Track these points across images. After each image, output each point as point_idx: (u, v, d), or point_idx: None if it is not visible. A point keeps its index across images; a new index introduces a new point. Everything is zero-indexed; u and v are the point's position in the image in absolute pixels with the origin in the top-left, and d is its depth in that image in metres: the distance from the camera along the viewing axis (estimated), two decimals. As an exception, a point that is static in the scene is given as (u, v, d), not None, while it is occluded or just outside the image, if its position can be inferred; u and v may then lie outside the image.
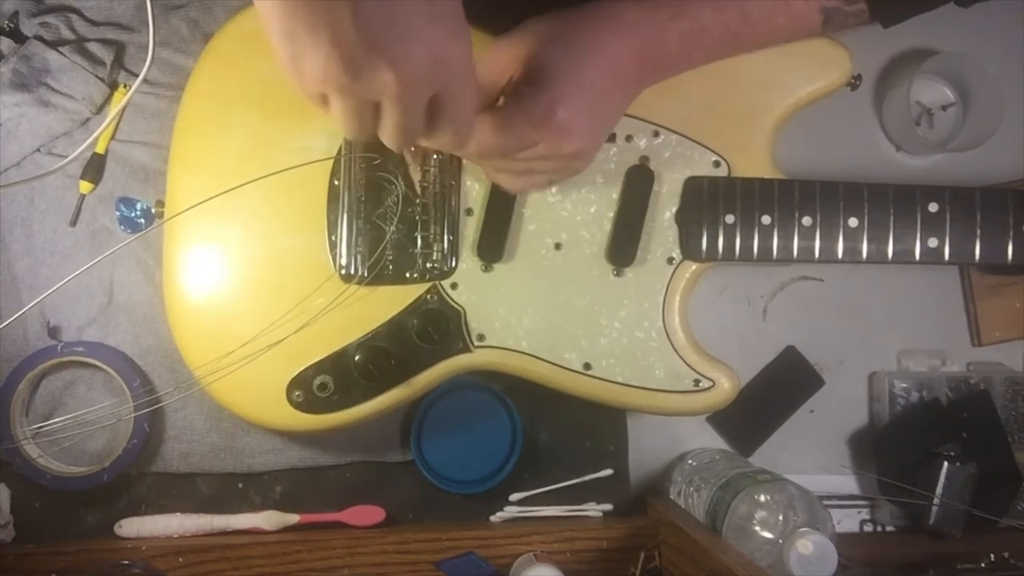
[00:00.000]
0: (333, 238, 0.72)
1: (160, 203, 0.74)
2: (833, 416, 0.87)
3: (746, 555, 0.67)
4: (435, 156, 0.72)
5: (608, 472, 0.82)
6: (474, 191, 0.74)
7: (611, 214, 0.74)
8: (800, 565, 0.66)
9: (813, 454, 0.86)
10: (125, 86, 0.79)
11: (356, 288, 0.72)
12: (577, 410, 0.81)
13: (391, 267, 0.73)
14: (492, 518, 0.80)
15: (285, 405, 0.72)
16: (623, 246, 0.73)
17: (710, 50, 0.68)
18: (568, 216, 0.74)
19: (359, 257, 0.72)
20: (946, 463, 0.80)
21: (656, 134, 0.74)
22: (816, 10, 0.67)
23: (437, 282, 0.73)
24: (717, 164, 0.74)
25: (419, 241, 0.73)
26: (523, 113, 0.60)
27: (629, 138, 0.74)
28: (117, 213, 0.79)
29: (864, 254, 0.73)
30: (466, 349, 0.73)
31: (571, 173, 0.66)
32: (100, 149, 0.79)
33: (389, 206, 0.73)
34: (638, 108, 0.73)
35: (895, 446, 0.84)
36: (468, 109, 0.52)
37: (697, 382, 0.73)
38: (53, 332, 0.78)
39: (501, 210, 0.73)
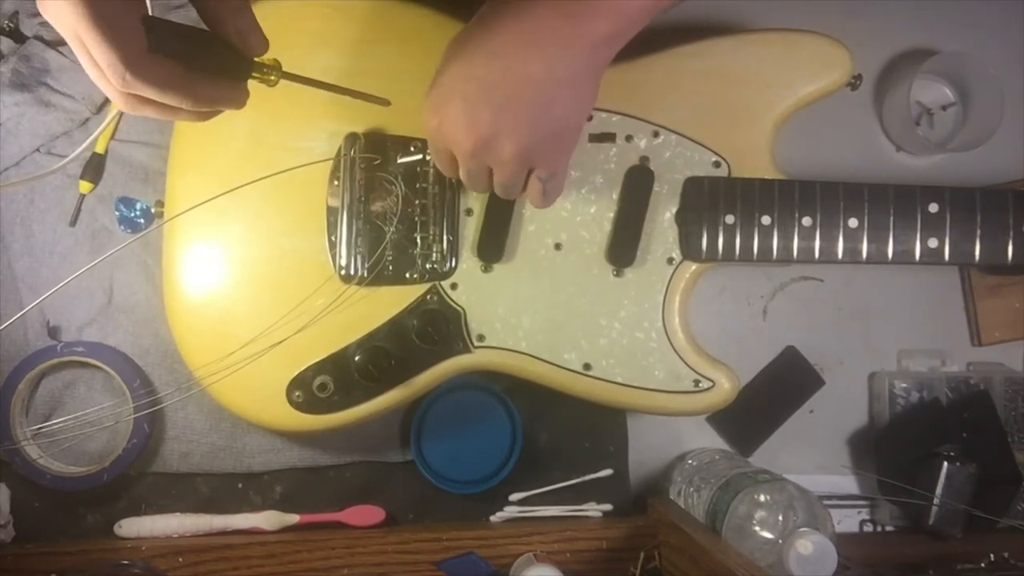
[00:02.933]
0: (333, 238, 0.72)
1: (160, 203, 0.74)
2: (833, 416, 0.87)
3: (746, 555, 0.67)
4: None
5: (608, 472, 0.82)
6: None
7: (611, 214, 0.74)
8: (800, 565, 0.66)
9: (813, 454, 0.86)
10: (125, 86, 0.79)
11: (356, 288, 0.72)
12: (577, 410, 0.81)
13: (391, 267, 0.73)
14: (492, 518, 0.80)
15: (285, 405, 0.72)
16: (623, 246, 0.73)
17: None
18: (568, 216, 0.74)
19: (359, 257, 0.72)
20: (946, 463, 0.80)
21: (656, 134, 0.74)
22: None
23: (437, 282, 0.73)
24: (717, 164, 0.74)
25: (419, 241, 0.73)
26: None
27: (629, 138, 0.74)
28: (117, 213, 0.79)
29: (864, 254, 0.73)
30: (466, 349, 0.73)
31: (515, 172, 0.61)
32: (100, 149, 0.79)
33: (389, 206, 0.73)
34: (638, 108, 0.73)
35: (895, 446, 0.84)
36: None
37: (697, 382, 0.73)
38: (53, 332, 0.78)
39: (501, 210, 0.73)
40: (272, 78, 0.57)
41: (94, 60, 0.50)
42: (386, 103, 0.63)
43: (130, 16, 0.50)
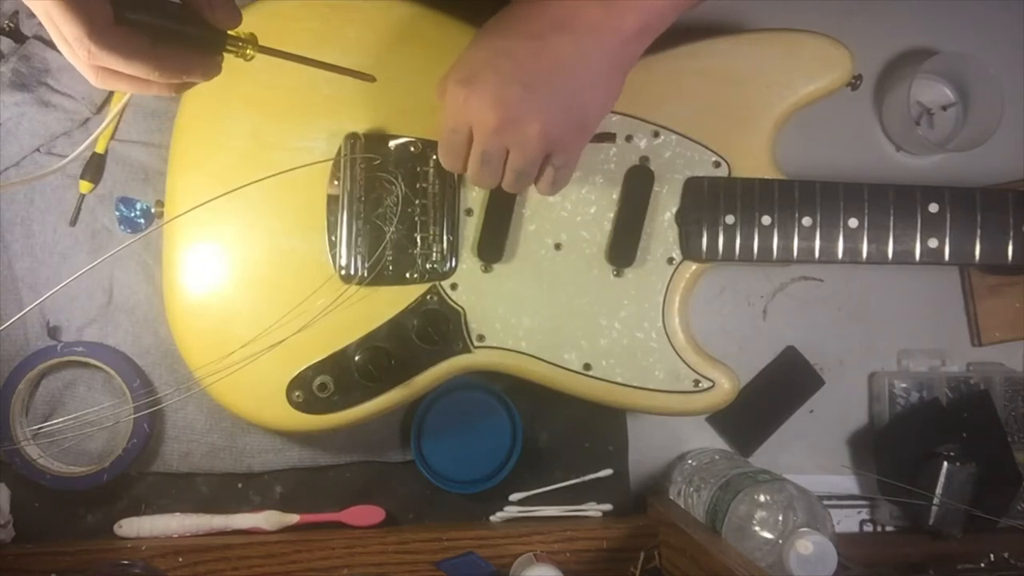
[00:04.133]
0: (333, 238, 0.72)
1: (160, 203, 0.74)
2: (833, 416, 0.87)
3: (746, 555, 0.67)
4: (434, 157, 0.72)
5: (608, 472, 0.82)
6: (474, 191, 0.74)
7: (611, 214, 0.74)
8: (800, 565, 0.66)
9: (813, 454, 0.86)
10: (125, 86, 0.79)
11: (356, 288, 0.72)
12: (577, 410, 0.81)
13: (391, 267, 0.73)
14: (492, 518, 0.80)
15: (285, 405, 0.72)
16: (623, 246, 0.73)
17: None
18: (568, 216, 0.74)
19: (359, 257, 0.72)
20: (946, 463, 0.80)
21: (656, 134, 0.74)
22: None
23: (437, 282, 0.73)
24: (717, 164, 0.74)
25: (419, 241, 0.73)
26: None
27: (629, 138, 0.74)
28: (117, 213, 0.79)
29: (864, 254, 0.73)
30: (466, 349, 0.73)
31: (536, 155, 0.62)
32: (100, 149, 0.79)
33: (389, 206, 0.73)
34: (638, 108, 0.73)
35: (895, 446, 0.84)
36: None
37: (697, 382, 0.73)
38: (53, 332, 0.78)
39: (501, 210, 0.73)
40: (248, 52, 0.57)
41: (63, 36, 0.51)
42: (371, 79, 0.62)
43: None
